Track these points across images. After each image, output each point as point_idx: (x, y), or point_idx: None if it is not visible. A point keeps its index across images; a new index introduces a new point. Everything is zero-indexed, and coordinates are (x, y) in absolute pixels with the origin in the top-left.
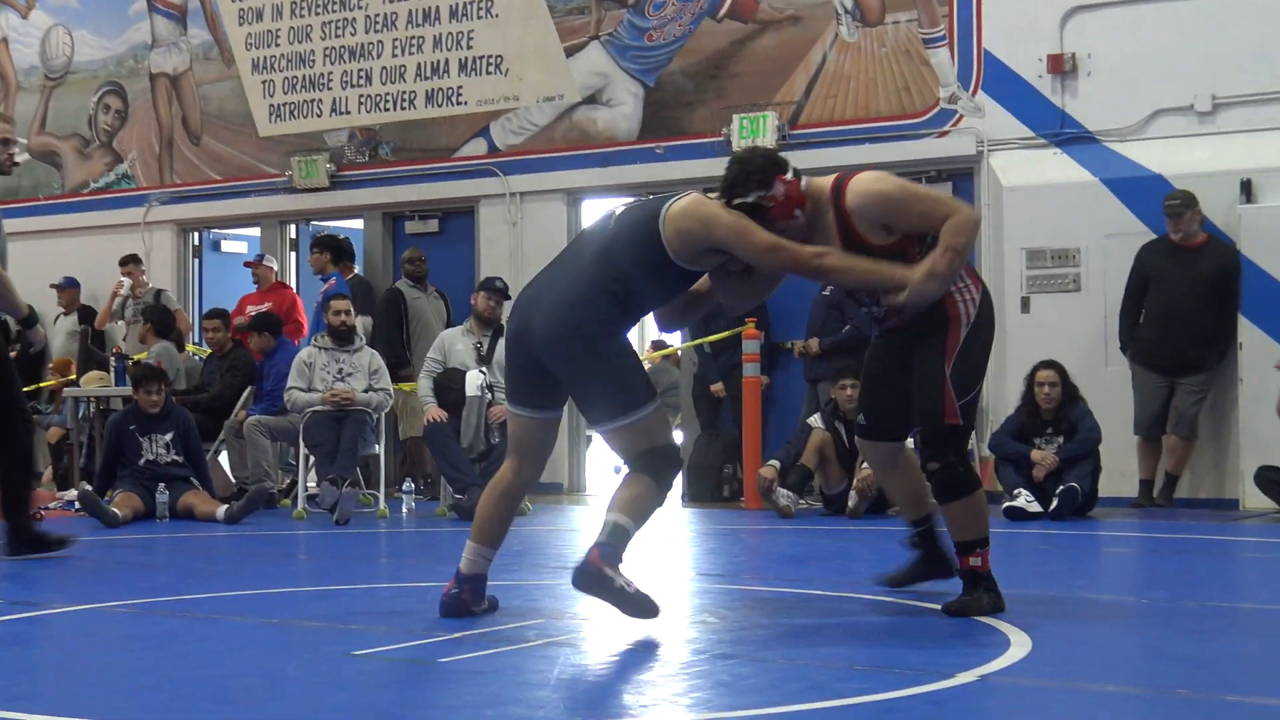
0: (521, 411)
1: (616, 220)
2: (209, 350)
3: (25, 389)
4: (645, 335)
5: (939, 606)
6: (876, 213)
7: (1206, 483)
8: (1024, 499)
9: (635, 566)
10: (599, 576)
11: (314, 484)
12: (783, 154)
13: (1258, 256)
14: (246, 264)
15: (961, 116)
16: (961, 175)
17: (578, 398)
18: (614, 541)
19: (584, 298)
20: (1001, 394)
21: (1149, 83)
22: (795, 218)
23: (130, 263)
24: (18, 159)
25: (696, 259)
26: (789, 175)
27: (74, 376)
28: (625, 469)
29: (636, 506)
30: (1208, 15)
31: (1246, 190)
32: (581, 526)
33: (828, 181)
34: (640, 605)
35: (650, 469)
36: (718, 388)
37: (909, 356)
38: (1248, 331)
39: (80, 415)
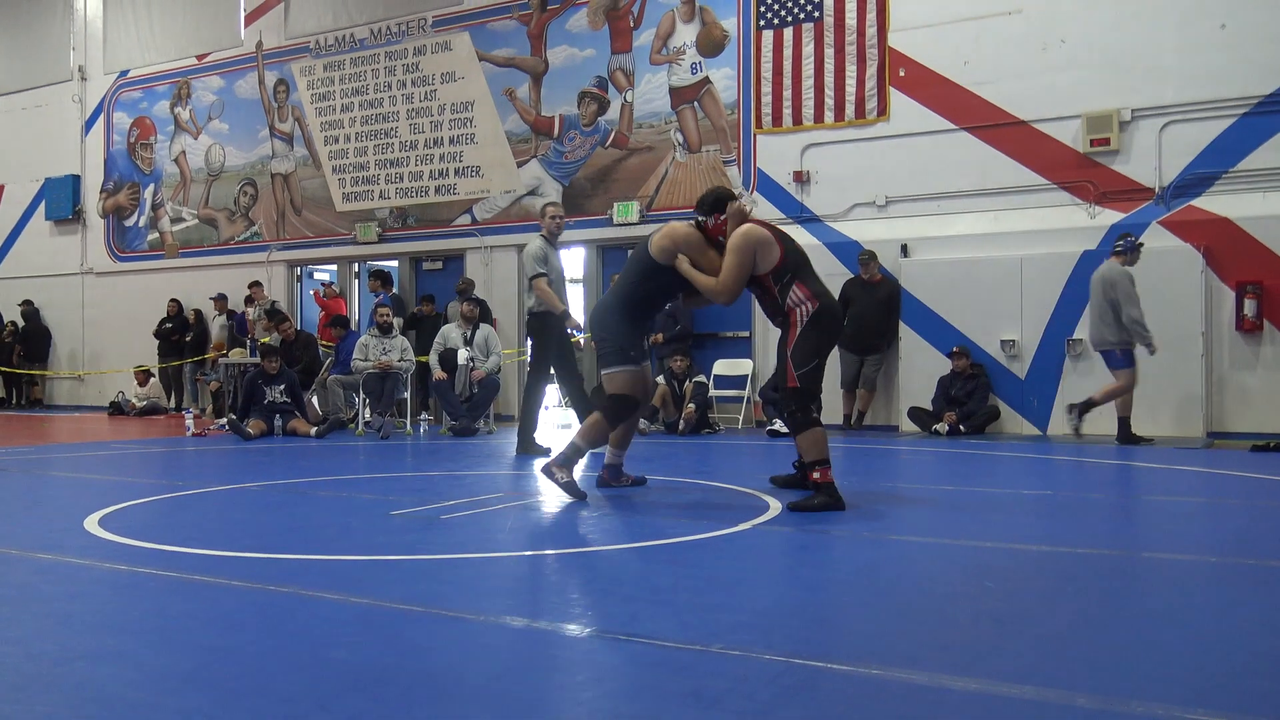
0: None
1: (629, 260)
2: (283, 338)
3: (196, 359)
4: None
5: (732, 485)
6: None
7: (880, 416)
8: (779, 425)
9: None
10: (549, 474)
11: (368, 415)
12: (720, 192)
13: (911, 288)
14: (311, 292)
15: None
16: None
17: (598, 354)
18: (567, 454)
19: (607, 301)
20: (766, 364)
21: (850, 188)
22: (718, 243)
23: (255, 285)
24: (189, 222)
25: (670, 260)
26: (712, 217)
27: (225, 351)
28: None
29: (587, 433)
30: (884, 149)
31: (905, 250)
32: (542, 441)
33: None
34: (572, 491)
35: (606, 410)
36: (656, 337)
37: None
38: (905, 330)
39: (229, 375)
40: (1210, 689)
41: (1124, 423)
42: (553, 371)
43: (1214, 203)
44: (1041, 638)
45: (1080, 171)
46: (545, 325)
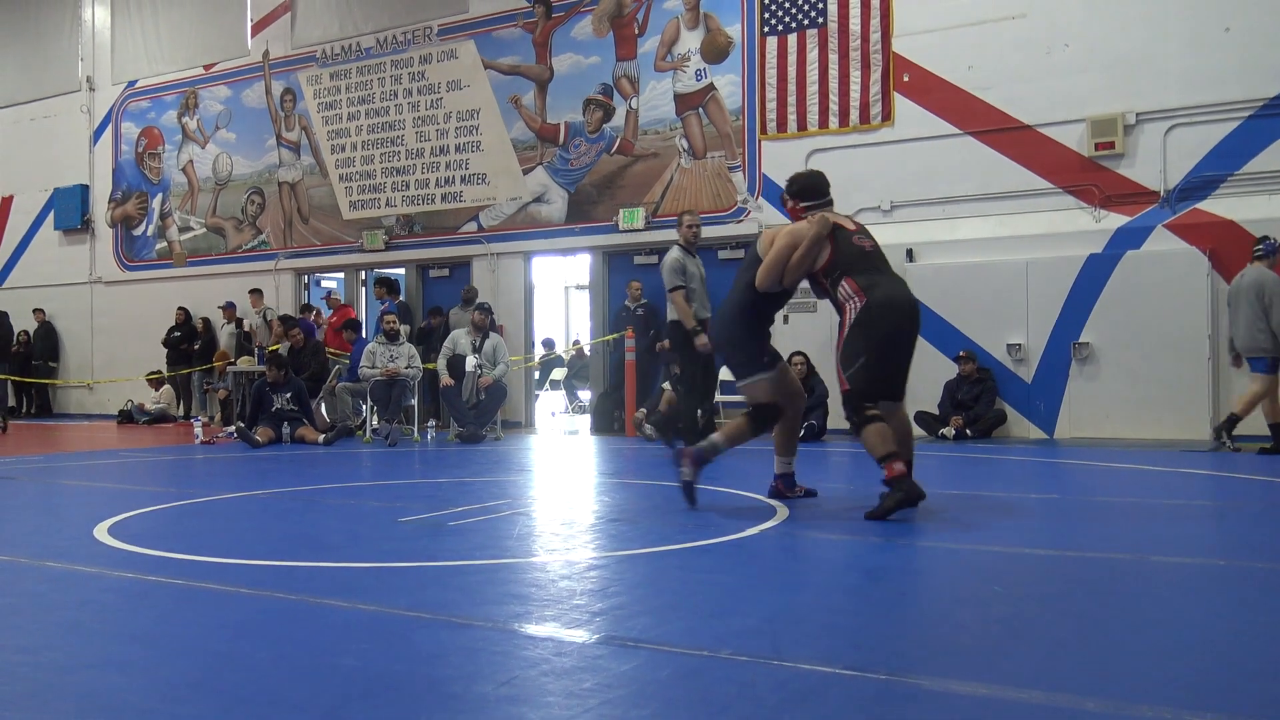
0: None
1: (742, 267)
2: (291, 344)
3: (204, 367)
4: (569, 335)
5: (739, 490)
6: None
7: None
8: None
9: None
10: (677, 460)
11: (376, 422)
12: (805, 175)
13: (917, 292)
14: (323, 298)
15: (750, 212)
16: (749, 245)
17: (729, 366)
18: (704, 450)
19: (727, 311)
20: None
21: (855, 193)
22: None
23: (254, 293)
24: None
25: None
26: (794, 200)
27: (233, 360)
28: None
29: (732, 437)
30: (889, 154)
31: (910, 255)
32: (534, 445)
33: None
34: (688, 494)
35: (752, 416)
36: (663, 344)
37: None
38: None
39: (237, 383)
40: (1217, 691)
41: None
42: (677, 371)
43: (1219, 205)
44: (1049, 642)
45: (1085, 175)
46: (689, 336)
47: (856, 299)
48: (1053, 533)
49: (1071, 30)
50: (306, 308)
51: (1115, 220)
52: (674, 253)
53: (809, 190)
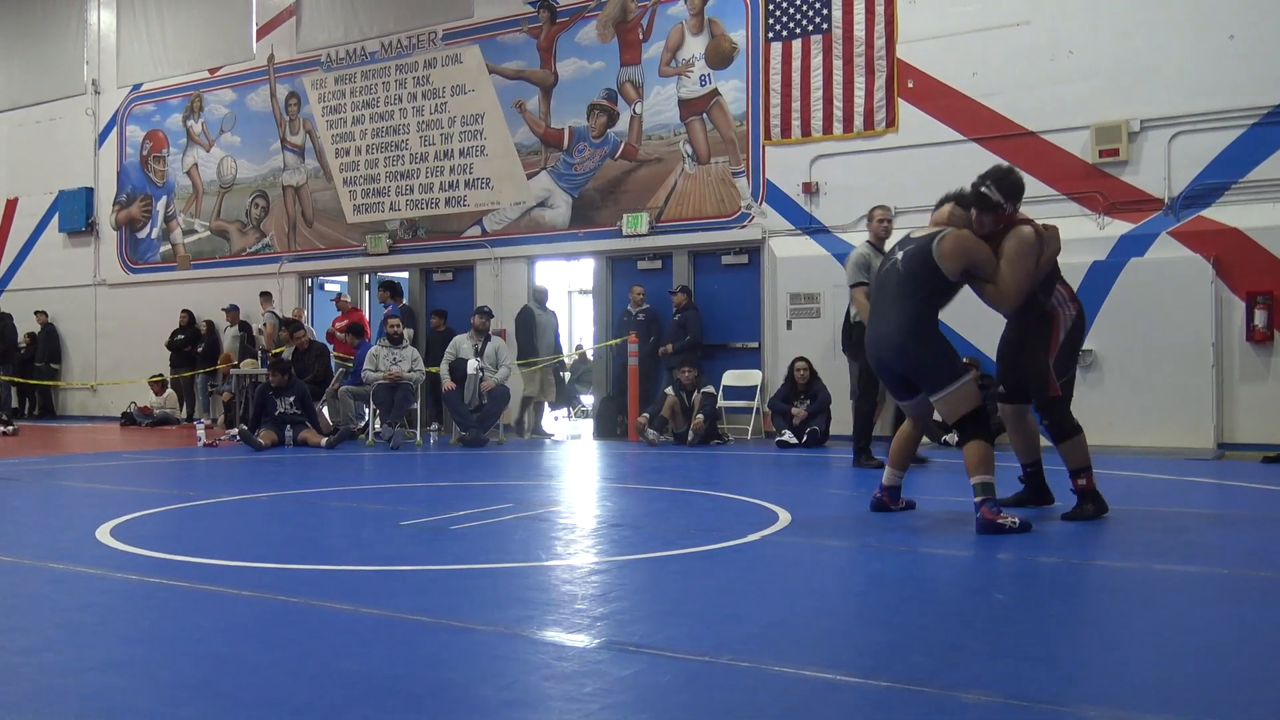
0: (901, 402)
1: (903, 262)
2: (295, 347)
3: (208, 370)
4: (571, 339)
5: (741, 496)
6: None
7: (889, 427)
8: (788, 436)
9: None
10: (994, 526)
11: (378, 425)
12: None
13: None
14: (333, 300)
15: (753, 217)
16: (753, 251)
17: (922, 385)
18: (988, 495)
19: (900, 330)
20: (775, 375)
21: (859, 198)
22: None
23: (264, 295)
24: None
25: (960, 274)
26: (1010, 204)
27: (236, 362)
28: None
29: (985, 462)
30: (893, 160)
31: None
32: (537, 451)
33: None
34: (1025, 528)
35: (975, 431)
36: (665, 348)
37: (1023, 347)
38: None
39: (240, 386)
40: (1224, 699)
41: None
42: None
43: (1223, 213)
44: (1052, 650)
45: (1089, 182)
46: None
47: (1070, 306)
48: (1055, 541)
49: (1075, 37)
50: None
51: (1119, 227)
52: (861, 248)
53: (1019, 191)
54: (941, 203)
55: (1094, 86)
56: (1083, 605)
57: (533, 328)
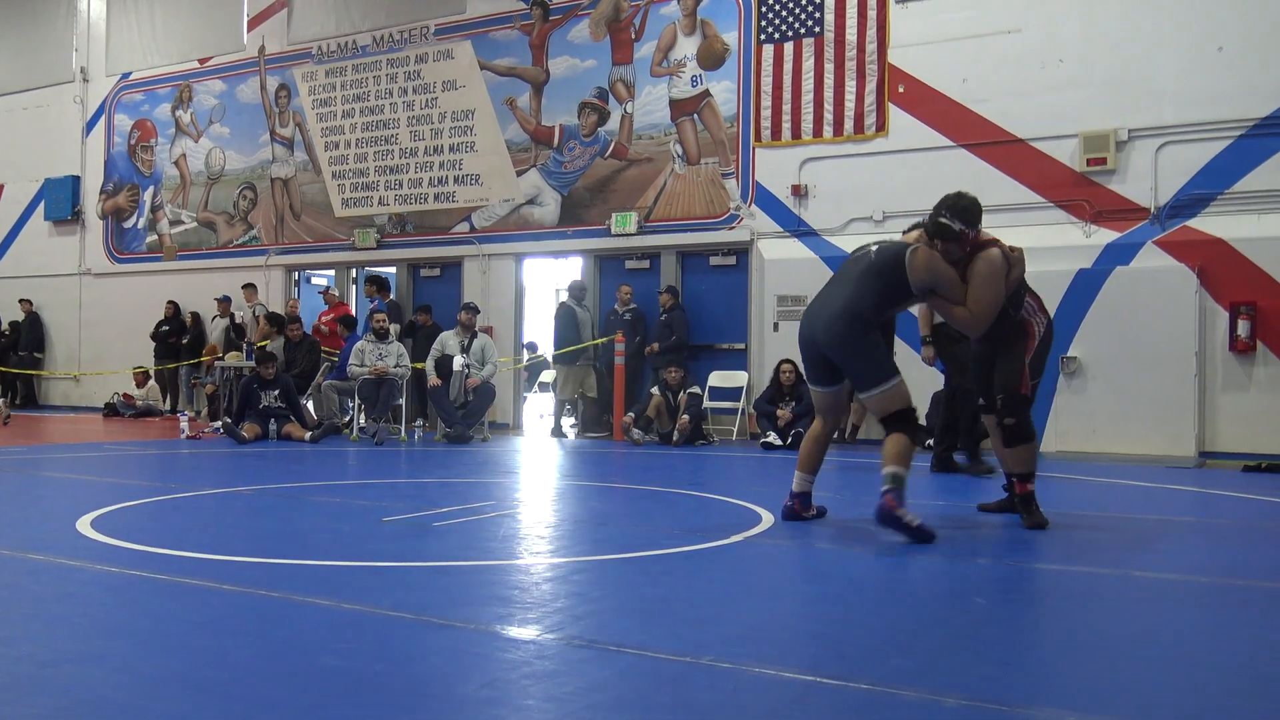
0: (819, 388)
1: (876, 254)
2: (286, 340)
3: (192, 361)
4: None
5: (725, 497)
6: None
7: (874, 429)
8: (773, 438)
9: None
10: (892, 516)
11: (363, 420)
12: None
13: None
14: (320, 292)
15: (742, 219)
16: (741, 252)
17: (849, 375)
18: (896, 485)
19: (846, 311)
20: (761, 377)
21: (848, 202)
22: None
23: (248, 288)
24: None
25: (920, 289)
26: (975, 230)
27: (221, 354)
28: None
29: (903, 456)
30: (882, 165)
31: None
32: (521, 448)
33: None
34: (923, 535)
35: (901, 427)
36: (652, 348)
37: (997, 358)
38: (900, 345)
39: (225, 378)
40: (1198, 712)
41: None
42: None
43: (1209, 223)
44: (1031, 656)
45: (1076, 190)
46: (948, 337)
47: (1041, 316)
48: (1036, 547)
49: (1066, 46)
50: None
51: (1105, 236)
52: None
53: (976, 214)
54: (911, 229)
55: (1084, 95)
56: (1060, 611)
57: (573, 325)
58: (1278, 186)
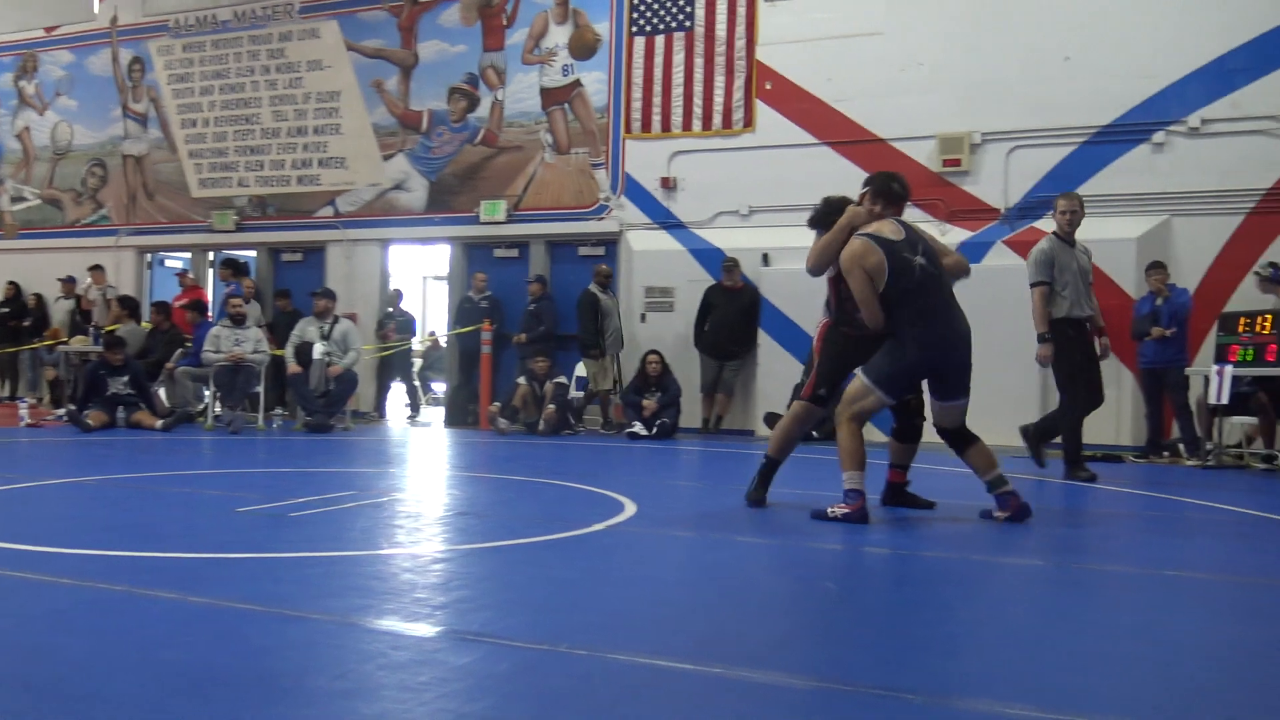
0: (945, 403)
1: (932, 264)
2: (151, 326)
3: (32, 346)
4: (424, 325)
5: (588, 486)
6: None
7: (738, 420)
8: (638, 427)
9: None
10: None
11: (219, 408)
12: None
13: (770, 296)
14: (176, 274)
15: (611, 209)
16: (611, 243)
17: (964, 385)
18: (1000, 484)
19: (965, 323)
20: (629, 367)
21: (715, 196)
22: None
23: (96, 269)
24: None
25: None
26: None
27: (65, 339)
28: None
29: (988, 459)
30: (749, 160)
31: (765, 259)
32: (385, 437)
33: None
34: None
35: (971, 433)
36: (519, 337)
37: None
38: (763, 337)
39: (69, 364)
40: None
41: None
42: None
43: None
44: (879, 636)
45: (933, 190)
46: (1061, 334)
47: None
48: (882, 532)
49: (924, 50)
50: (126, 299)
51: (959, 234)
52: (1044, 243)
53: (835, 213)
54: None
55: (940, 99)
56: (908, 593)
57: (596, 313)
58: (1118, 191)
